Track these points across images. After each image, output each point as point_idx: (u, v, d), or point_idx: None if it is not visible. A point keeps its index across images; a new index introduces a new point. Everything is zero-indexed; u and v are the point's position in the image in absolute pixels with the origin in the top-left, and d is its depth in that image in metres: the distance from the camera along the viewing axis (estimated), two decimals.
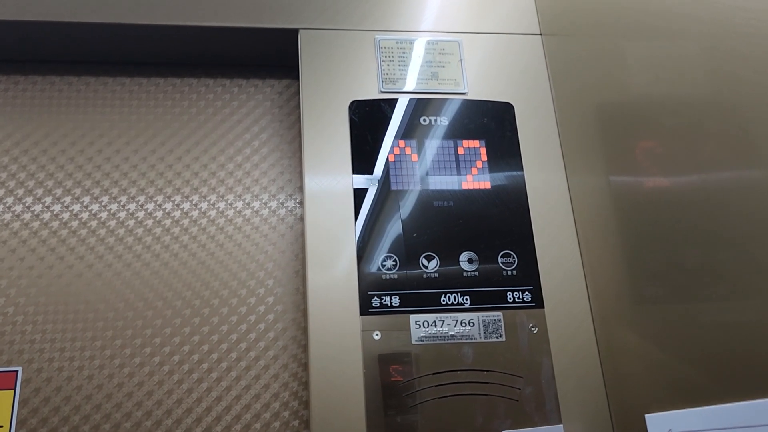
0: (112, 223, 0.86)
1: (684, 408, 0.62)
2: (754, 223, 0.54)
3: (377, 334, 0.74)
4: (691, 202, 0.62)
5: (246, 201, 0.90)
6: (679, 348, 0.64)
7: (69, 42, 0.89)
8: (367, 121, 0.84)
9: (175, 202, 0.88)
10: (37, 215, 0.85)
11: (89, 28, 0.85)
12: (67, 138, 0.90)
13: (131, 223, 0.86)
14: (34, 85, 0.92)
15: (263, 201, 0.90)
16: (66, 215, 0.85)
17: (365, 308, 0.75)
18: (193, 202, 0.88)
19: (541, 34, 0.93)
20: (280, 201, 0.90)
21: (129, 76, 0.94)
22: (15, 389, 0.77)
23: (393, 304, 0.76)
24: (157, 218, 0.87)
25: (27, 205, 0.85)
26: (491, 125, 0.86)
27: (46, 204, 0.86)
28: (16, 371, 0.78)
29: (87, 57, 0.93)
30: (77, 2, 0.84)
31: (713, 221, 0.59)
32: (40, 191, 0.86)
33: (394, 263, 0.78)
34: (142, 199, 0.88)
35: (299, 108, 0.92)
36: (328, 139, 0.83)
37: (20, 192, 0.86)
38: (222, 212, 0.88)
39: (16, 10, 0.83)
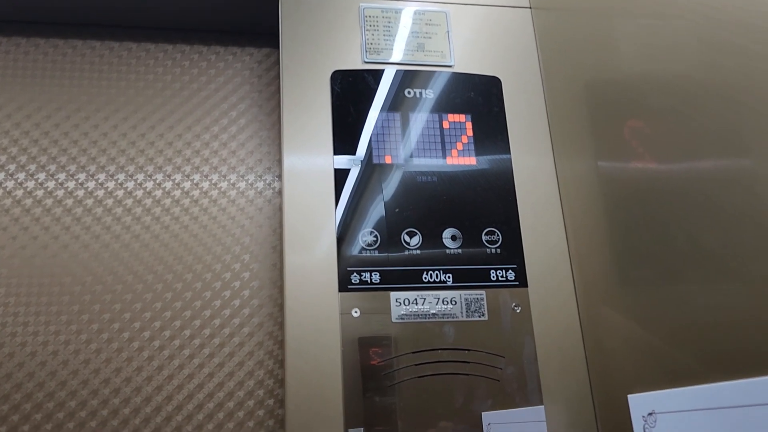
0: (80, 193, 0.82)
1: (668, 389, 0.61)
2: (741, 206, 0.53)
3: (356, 312, 0.72)
4: (679, 183, 0.60)
5: (222, 173, 0.86)
6: (664, 328, 0.63)
7: (34, 2, 0.84)
8: (350, 93, 0.81)
9: (147, 173, 0.84)
10: (0, 183, 0.81)
11: None
12: (33, 104, 0.85)
13: (100, 193, 0.82)
14: (6, 53, 0.87)
15: (240, 173, 0.87)
16: (30, 184, 0.81)
17: (344, 285, 0.73)
18: (167, 173, 0.85)
19: (530, 8, 0.90)
20: (258, 174, 0.87)
21: (100, 40, 0.89)
22: None
23: (373, 280, 0.74)
24: (128, 189, 0.83)
25: None
26: (478, 100, 0.84)
27: (9, 172, 0.81)
28: None
29: (55, 18, 0.88)
30: None
31: (700, 203, 0.58)
32: (2, 158, 0.82)
33: (375, 239, 0.75)
34: (112, 168, 0.84)
35: (279, 78, 0.89)
36: (309, 111, 0.80)
37: None
38: (197, 184, 0.85)
39: None
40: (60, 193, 0.82)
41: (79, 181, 0.83)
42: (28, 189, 0.81)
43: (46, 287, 0.78)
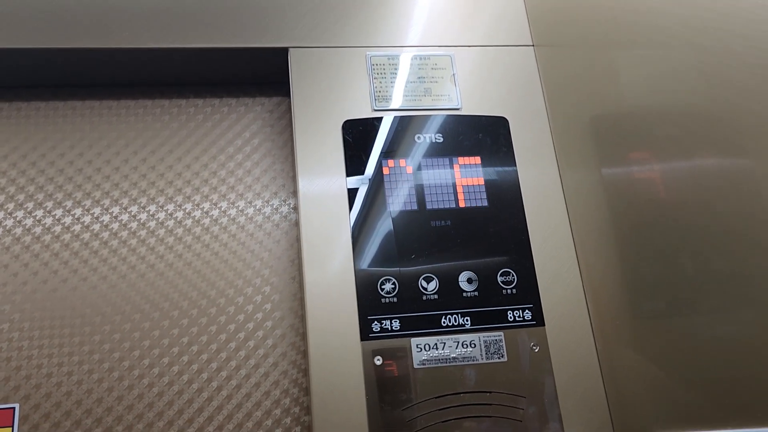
0: (105, 234, 0.86)
1: (688, 430, 0.62)
2: (748, 231, 0.54)
3: (378, 359, 0.74)
4: (687, 214, 0.62)
5: (240, 224, 0.89)
6: (681, 367, 0.64)
7: (58, 67, 0.87)
8: (361, 141, 0.83)
9: (169, 213, 0.88)
10: (28, 229, 0.84)
11: (77, 53, 0.83)
12: (65, 157, 0.89)
13: (124, 234, 0.86)
14: (37, 111, 0.90)
15: (257, 223, 0.89)
16: (57, 228, 0.85)
17: (365, 333, 0.75)
18: (195, 218, 0.88)
19: (533, 46, 0.92)
20: (275, 223, 0.89)
21: (116, 99, 0.92)
22: (13, 426, 0.76)
23: (393, 327, 0.75)
24: (151, 228, 0.86)
25: (18, 219, 0.84)
26: (486, 141, 0.85)
27: (28, 210, 0.85)
28: (13, 408, 0.77)
29: (73, 81, 0.91)
30: (67, 28, 0.82)
31: (708, 231, 0.59)
32: (21, 197, 0.85)
33: (393, 286, 0.77)
34: (134, 209, 0.87)
35: (291, 126, 0.91)
36: (322, 159, 0.82)
37: (10, 206, 0.85)
38: (216, 236, 0.88)
39: (15, 39, 0.81)
40: (86, 235, 0.85)
41: (104, 223, 0.86)
42: (47, 225, 0.85)
43: (68, 319, 0.81)
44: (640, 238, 0.70)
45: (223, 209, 0.89)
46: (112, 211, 0.86)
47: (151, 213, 0.87)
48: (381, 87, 0.86)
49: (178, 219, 0.87)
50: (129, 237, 0.86)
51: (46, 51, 0.82)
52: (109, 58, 0.85)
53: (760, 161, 0.53)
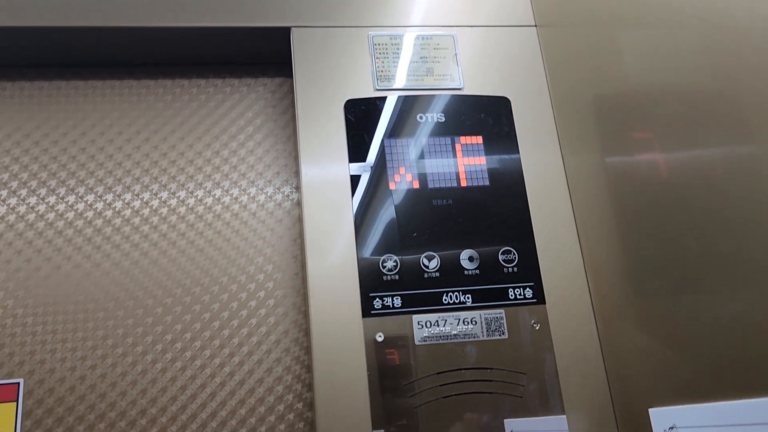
0: (108, 213, 0.86)
1: (687, 404, 0.62)
2: (752, 211, 0.54)
3: (380, 336, 0.74)
4: (689, 192, 0.61)
5: (242, 203, 0.89)
6: (681, 343, 0.64)
7: (61, 46, 0.87)
8: (363, 120, 0.84)
9: (171, 191, 0.88)
10: (32, 207, 0.85)
11: (79, 32, 0.83)
12: (68, 137, 0.89)
13: (127, 213, 0.86)
14: (40, 90, 0.91)
15: (260, 202, 0.89)
16: (61, 207, 0.85)
17: (367, 310, 0.75)
18: (198, 197, 0.88)
19: (536, 26, 0.92)
20: (277, 202, 0.90)
21: (119, 79, 0.92)
22: (17, 401, 0.77)
23: (395, 305, 0.76)
24: (154, 207, 0.87)
25: (22, 197, 0.85)
26: (488, 121, 0.85)
27: (41, 196, 0.85)
28: (18, 383, 0.77)
29: (76, 61, 0.91)
30: (69, 7, 0.82)
31: (711, 212, 0.59)
32: (33, 183, 0.86)
33: (394, 264, 0.77)
34: (137, 188, 0.88)
35: (293, 106, 0.91)
36: (324, 139, 0.82)
37: (14, 184, 0.85)
38: (220, 202, 0.88)
39: (19, 17, 0.82)
40: (90, 214, 0.85)
41: (107, 201, 0.86)
42: (50, 203, 0.85)
43: (72, 296, 0.82)
44: (642, 217, 0.70)
45: (225, 188, 0.89)
46: (116, 190, 0.87)
47: (153, 192, 0.87)
48: (383, 67, 0.86)
49: (181, 198, 0.88)
50: (132, 215, 0.86)
51: (49, 30, 0.82)
52: (112, 37, 0.85)
53: (765, 140, 0.53)
